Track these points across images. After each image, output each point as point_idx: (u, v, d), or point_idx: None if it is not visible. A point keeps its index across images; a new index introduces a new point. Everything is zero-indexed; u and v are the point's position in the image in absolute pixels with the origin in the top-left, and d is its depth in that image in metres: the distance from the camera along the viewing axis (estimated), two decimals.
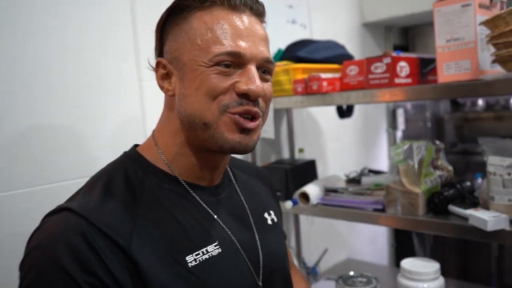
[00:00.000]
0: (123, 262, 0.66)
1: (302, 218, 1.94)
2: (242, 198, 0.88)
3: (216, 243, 0.76)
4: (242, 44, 0.72)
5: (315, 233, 2.02)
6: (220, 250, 0.76)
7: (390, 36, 2.57)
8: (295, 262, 1.77)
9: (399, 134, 2.64)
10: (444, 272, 2.64)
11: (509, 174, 1.11)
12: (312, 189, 1.49)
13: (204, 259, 0.73)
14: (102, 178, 0.75)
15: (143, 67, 1.31)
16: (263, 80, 0.76)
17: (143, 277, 0.66)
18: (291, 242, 1.93)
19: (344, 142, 2.25)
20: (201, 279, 0.71)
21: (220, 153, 0.78)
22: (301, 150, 1.90)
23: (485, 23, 1.09)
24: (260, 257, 0.82)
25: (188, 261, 0.71)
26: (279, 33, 1.84)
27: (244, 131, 0.73)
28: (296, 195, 1.52)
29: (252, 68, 0.73)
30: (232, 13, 0.73)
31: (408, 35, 2.72)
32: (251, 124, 0.73)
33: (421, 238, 2.74)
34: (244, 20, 0.74)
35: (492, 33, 1.09)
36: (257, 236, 0.84)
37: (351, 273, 1.33)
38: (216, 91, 0.71)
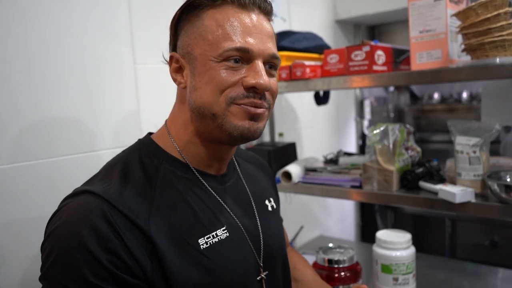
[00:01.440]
0: (142, 243, 0.65)
1: (281, 197, 1.93)
2: (246, 186, 0.87)
3: (224, 228, 0.76)
4: (250, 40, 0.70)
5: (292, 211, 2.02)
6: (227, 234, 0.75)
7: (359, 33, 2.59)
8: None
9: (365, 123, 2.68)
10: None
11: (474, 152, 1.15)
12: (294, 169, 1.49)
13: (214, 242, 0.73)
14: (119, 164, 0.74)
15: (137, 51, 1.28)
16: (270, 75, 0.75)
17: (160, 258, 0.65)
18: None
19: (318, 128, 2.26)
20: (212, 261, 0.71)
21: (227, 144, 0.77)
22: (281, 134, 1.89)
23: (457, 14, 1.12)
24: (261, 241, 0.82)
25: (201, 244, 0.71)
26: None
27: (253, 118, 0.72)
28: (279, 174, 1.51)
29: (259, 64, 0.72)
30: (241, 11, 0.72)
31: (375, 33, 2.75)
32: (259, 110, 0.72)
33: (383, 217, 2.80)
34: (252, 18, 0.72)
35: (463, 23, 1.11)
36: (258, 222, 0.83)
37: (330, 245, 1.34)
38: (225, 85, 0.70)
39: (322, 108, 2.11)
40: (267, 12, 0.76)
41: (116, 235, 0.63)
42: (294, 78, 1.40)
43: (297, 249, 1.94)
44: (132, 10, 1.26)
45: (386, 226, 2.87)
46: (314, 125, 2.22)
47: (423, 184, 1.26)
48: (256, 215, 0.84)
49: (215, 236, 0.73)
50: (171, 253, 0.67)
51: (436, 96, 3.01)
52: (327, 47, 1.68)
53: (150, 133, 0.82)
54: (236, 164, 0.90)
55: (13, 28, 1.00)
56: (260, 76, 0.70)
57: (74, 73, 1.12)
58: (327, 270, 1.26)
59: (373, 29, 2.74)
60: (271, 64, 0.75)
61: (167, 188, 0.73)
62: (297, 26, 2.03)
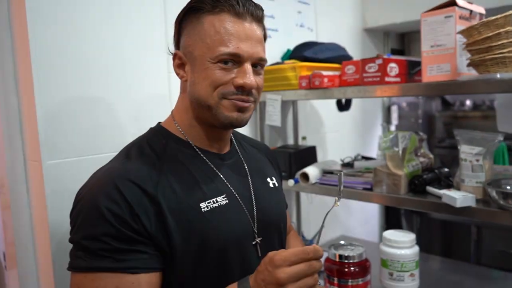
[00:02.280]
0: (149, 207, 0.79)
1: (303, 197, 2.05)
2: (245, 164, 1.00)
3: (224, 196, 0.89)
4: (242, 46, 0.83)
5: (313, 211, 2.13)
6: (227, 201, 0.89)
7: (388, 40, 2.65)
8: None
9: (392, 128, 2.73)
10: (429, 250, 2.74)
11: (477, 160, 1.22)
12: (312, 170, 1.60)
13: (214, 206, 0.86)
14: (134, 145, 0.90)
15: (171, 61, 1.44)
16: (257, 74, 0.88)
17: (164, 219, 0.80)
18: (293, 217, 2.04)
19: (342, 133, 2.35)
20: (211, 222, 0.84)
21: (221, 128, 0.91)
22: (304, 138, 2.01)
23: (461, 32, 1.19)
24: (254, 210, 0.94)
25: (202, 207, 0.84)
26: (289, 35, 1.94)
27: (240, 110, 0.86)
28: (297, 175, 1.63)
29: (248, 66, 0.85)
30: (236, 19, 0.84)
31: (404, 40, 2.80)
32: (245, 104, 0.86)
33: (409, 221, 2.84)
34: (245, 26, 0.85)
35: (467, 41, 1.19)
36: (253, 194, 0.96)
37: (341, 242, 1.44)
38: (218, 83, 0.84)
39: (348, 113, 2.20)
40: (259, 19, 0.88)
41: (124, 202, 0.77)
42: (313, 87, 1.52)
43: None
44: (168, 23, 1.42)
45: (411, 230, 2.90)
46: (339, 129, 2.31)
47: (429, 188, 1.34)
48: (251, 188, 0.96)
49: (215, 201, 0.86)
50: (175, 214, 0.80)
51: (468, 103, 3.01)
52: (349, 57, 1.77)
53: (159, 122, 0.97)
54: (238, 146, 1.03)
55: (70, 42, 1.18)
56: (248, 77, 0.84)
57: (118, 82, 1.30)
58: (337, 265, 1.37)
59: (403, 37, 2.79)
60: (258, 64, 0.88)
61: (173, 161, 0.87)
62: (324, 35, 2.14)
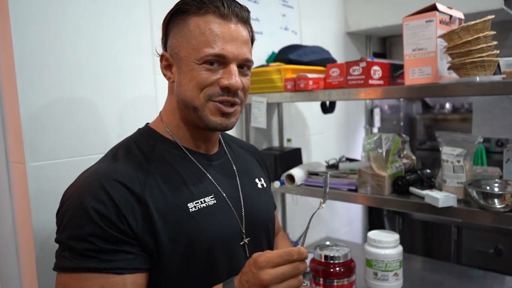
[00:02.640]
0: (136, 207, 0.79)
1: (288, 199, 2.07)
2: (233, 165, 1.01)
3: (212, 196, 0.89)
4: (227, 47, 0.83)
5: (299, 212, 2.15)
6: (215, 201, 0.89)
7: (370, 44, 2.70)
8: None
9: (375, 130, 2.78)
10: (411, 250, 2.77)
11: (458, 161, 1.25)
12: (297, 172, 1.62)
13: (202, 207, 0.86)
14: (122, 146, 0.90)
15: (157, 62, 1.44)
16: (243, 75, 0.88)
17: (151, 219, 0.80)
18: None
19: (327, 135, 2.38)
20: (199, 222, 0.85)
21: (206, 130, 0.91)
22: (289, 140, 2.02)
23: (442, 36, 1.23)
24: (243, 210, 0.94)
25: (190, 207, 0.85)
26: (273, 38, 1.95)
27: (225, 115, 0.87)
28: (283, 176, 1.65)
29: (233, 67, 0.85)
30: (221, 21, 0.84)
31: (386, 44, 2.85)
32: (230, 109, 0.87)
33: (391, 222, 2.89)
34: (230, 27, 0.85)
35: (448, 45, 1.22)
36: (241, 194, 0.96)
37: (327, 242, 1.46)
38: (204, 84, 0.84)
39: (332, 115, 2.23)
40: (245, 20, 0.88)
41: (111, 202, 0.77)
42: (298, 89, 1.53)
43: None
44: (154, 25, 1.42)
45: (394, 231, 2.95)
46: (323, 131, 2.34)
47: (412, 189, 1.37)
48: (240, 189, 0.97)
49: (203, 202, 0.87)
50: (162, 214, 0.81)
51: (448, 106, 3.08)
52: (333, 60, 1.80)
53: (147, 123, 0.97)
54: (226, 147, 1.04)
55: (55, 43, 1.17)
56: (233, 78, 0.84)
57: (103, 82, 1.28)
58: (323, 265, 1.38)
59: (384, 40, 2.84)
60: (245, 65, 0.89)
61: (161, 162, 0.87)
62: (308, 38, 2.16)
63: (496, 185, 1.25)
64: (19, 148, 1.12)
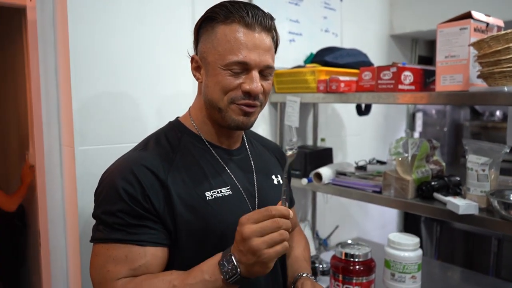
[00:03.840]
0: (160, 190, 0.90)
1: (319, 197, 2.12)
2: (252, 161, 1.09)
3: (228, 187, 0.98)
4: (250, 55, 0.91)
5: (329, 211, 2.19)
6: (230, 192, 0.98)
7: (416, 47, 2.66)
8: (308, 232, 1.96)
9: (416, 135, 2.74)
10: (448, 259, 2.72)
11: (483, 170, 1.25)
12: (325, 171, 1.67)
13: (218, 196, 0.96)
14: (153, 137, 1.01)
15: None
16: (264, 79, 0.95)
17: (172, 203, 0.90)
18: (308, 216, 2.11)
19: (363, 137, 2.39)
20: (214, 209, 0.94)
21: (228, 129, 1.00)
22: (322, 140, 2.07)
23: (472, 44, 1.23)
24: (256, 202, 1.02)
25: (207, 196, 0.94)
26: (313, 40, 2.00)
27: (246, 114, 0.95)
28: (311, 174, 1.70)
29: (255, 73, 0.93)
30: (245, 30, 0.91)
31: (433, 47, 2.79)
32: (251, 109, 0.95)
33: (429, 229, 2.83)
34: (254, 36, 0.92)
35: (478, 53, 1.22)
36: (256, 188, 1.04)
37: (349, 241, 1.50)
38: (227, 88, 0.92)
39: (371, 118, 2.25)
40: (268, 28, 0.94)
41: (138, 184, 0.88)
42: (330, 91, 1.58)
43: (330, 247, 2.11)
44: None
45: (431, 238, 2.89)
46: (360, 133, 2.36)
47: (436, 195, 1.38)
48: (255, 183, 1.05)
49: (219, 192, 0.96)
50: (182, 199, 0.90)
51: (498, 113, 2.97)
52: (369, 63, 1.82)
53: (178, 117, 1.07)
54: (247, 144, 1.12)
55: (104, 41, 1.31)
56: (254, 84, 0.92)
57: (144, 78, 1.41)
58: (343, 262, 1.42)
59: (431, 44, 2.79)
60: (266, 71, 0.96)
61: (185, 153, 0.97)
62: (350, 41, 2.19)
63: None
64: (70, 134, 1.27)
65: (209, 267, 0.84)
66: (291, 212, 0.82)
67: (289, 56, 1.89)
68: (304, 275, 1.10)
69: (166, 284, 0.84)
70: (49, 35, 1.31)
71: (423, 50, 2.73)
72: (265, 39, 0.94)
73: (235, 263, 0.81)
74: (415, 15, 2.36)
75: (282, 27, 1.83)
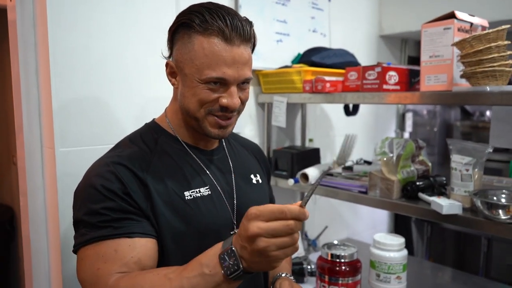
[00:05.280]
0: (141, 188, 0.89)
1: None
2: (230, 161, 1.09)
3: (207, 187, 0.98)
4: (228, 71, 0.89)
5: (318, 212, 2.19)
6: (209, 192, 0.98)
7: (406, 47, 2.67)
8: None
9: (406, 135, 2.74)
10: (439, 259, 2.72)
11: (467, 170, 1.25)
12: (312, 171, 1.66)
13: (197, 196, 0.95)
14: (128, 138, 1.01)
15: None
16: (242, 90, 0.95)
17: (153, 201, 0.89)
18: None
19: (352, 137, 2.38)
20: (193, 209, 0.93)
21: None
22: (311, 140, 2.07)
23: (455, 44, 1.23)
24: (235, 202, 1.02)
25: (186, 196, 0.94)
26: (301, 40, 2.00)
27: (222, 127, 0.95)
28: (298, 175, 1.70)
29: (233, 89, 0.92)
30: (224, 44, 0.88)
31: None
32: (226, 122, 0.95)
33: (419, 229, 2.84)
34: (233, 50, 0.89)
35: (460, 53, 1.22)
36: (234, 188, 1.04)
37: (335, 242, 1.50)
38: (205, 101, 0.92)
39: (360, 118, 2.25)
40: (248, 39, 0.92)
41: (117, 180, 0.87)
42: (316, 91, 1.58)
43: (319, 248, 2.10)
44: None
45: (422, 238, 2.90)
46: (348, 133, 2.35)
47: (421, 195, 1.38)
48: (234, 182, 1.05)
49: (198, 192, 0.96)
50: (162, 198, 0.90)
51: (488, 113, 2.98)
52: (356, 63, 1.82)
53: (154, 118, 1.07)
54: (226, 144, 1.12)
55: (84, 44, 1.30)
56: (232, 99, 0.92)
57: (126, 80, 1.40)
58: (329, 263, 1.42)
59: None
60: (244, 82, 0.95)
61: (163, 154, 0.97)
62: (338, 41, 2.19)
63: (504, 196, 1.24)
64: (50, 135, 1.26)
65: (208, 260, 0.77)
66: (307, 212, 0.73)
67: (276, 56, 1.88)
68: (283, 275, 1.10)
69: (162, 277, 0.79)
70: (29, 35, 1.30)
71: (413, 50, 2.74)
72: (244, 52, 0.92)
73: (237, 258, 0.73)
74: (404, 15, 2.36)
75: (269, 27, 1.83)
